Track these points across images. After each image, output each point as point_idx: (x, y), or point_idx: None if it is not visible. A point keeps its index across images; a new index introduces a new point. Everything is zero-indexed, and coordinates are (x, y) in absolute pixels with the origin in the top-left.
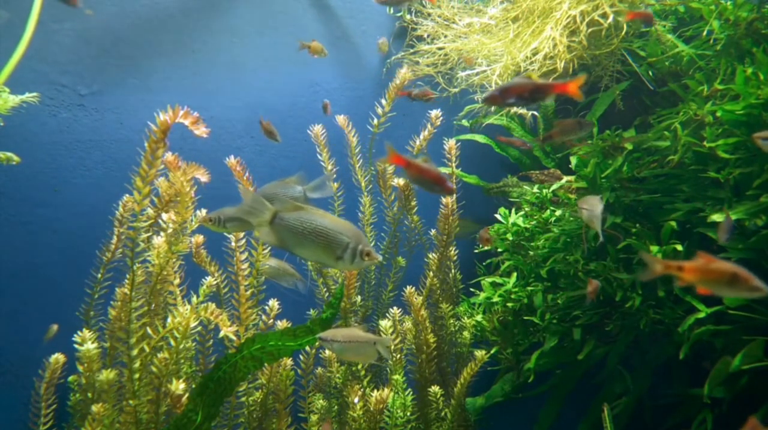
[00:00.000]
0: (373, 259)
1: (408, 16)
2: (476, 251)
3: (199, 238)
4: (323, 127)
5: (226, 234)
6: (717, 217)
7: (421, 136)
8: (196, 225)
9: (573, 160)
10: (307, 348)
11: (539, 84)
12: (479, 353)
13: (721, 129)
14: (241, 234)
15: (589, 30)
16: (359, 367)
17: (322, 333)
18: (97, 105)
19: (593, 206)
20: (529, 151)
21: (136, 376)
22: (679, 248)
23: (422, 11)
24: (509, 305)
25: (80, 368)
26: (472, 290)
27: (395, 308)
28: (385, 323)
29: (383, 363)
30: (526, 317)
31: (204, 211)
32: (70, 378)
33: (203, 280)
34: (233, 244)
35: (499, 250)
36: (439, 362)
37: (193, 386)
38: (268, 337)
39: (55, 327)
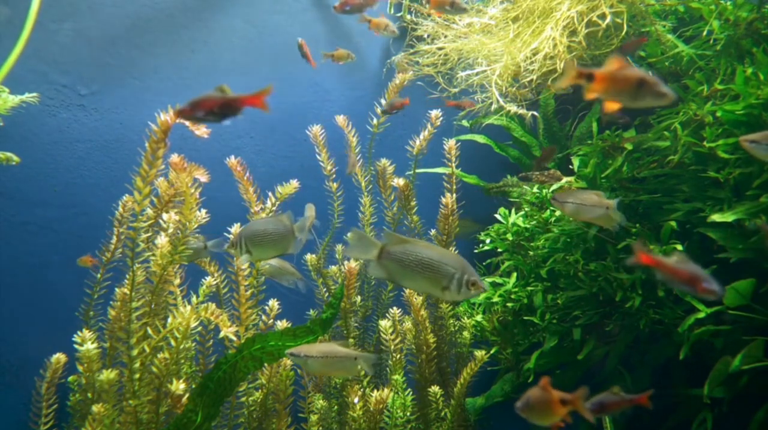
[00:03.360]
0: (479, 288)
1: (408, 16)
2: (476, 251)
3: (200, 238)
4: (322, 128)
5: None
6: (717, 217)
7: (421, 136)
8: (195, 225)
9: (575, 160)
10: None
11: (228, 98)
12: (479, 353)
13: (721, 129)
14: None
15: (589, 30)
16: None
17: (294, 349)
18: (97, 105)
19: (601, 202)
20: (529, 151)
21: (136, 376)
22: (679, 247)
23: (422, 11)
24: (509, 305)
25: (80, 368)
26: None
27: (395, 308)
28: (384, 323)
29: (363, 377)
30: (526, 317)
31: (204, 212)
32: (70, 378)
33: (203, 280)
34: None
35: (499, 250)
36: (439, 362)
37: (193, 386)
38: (268, 337)
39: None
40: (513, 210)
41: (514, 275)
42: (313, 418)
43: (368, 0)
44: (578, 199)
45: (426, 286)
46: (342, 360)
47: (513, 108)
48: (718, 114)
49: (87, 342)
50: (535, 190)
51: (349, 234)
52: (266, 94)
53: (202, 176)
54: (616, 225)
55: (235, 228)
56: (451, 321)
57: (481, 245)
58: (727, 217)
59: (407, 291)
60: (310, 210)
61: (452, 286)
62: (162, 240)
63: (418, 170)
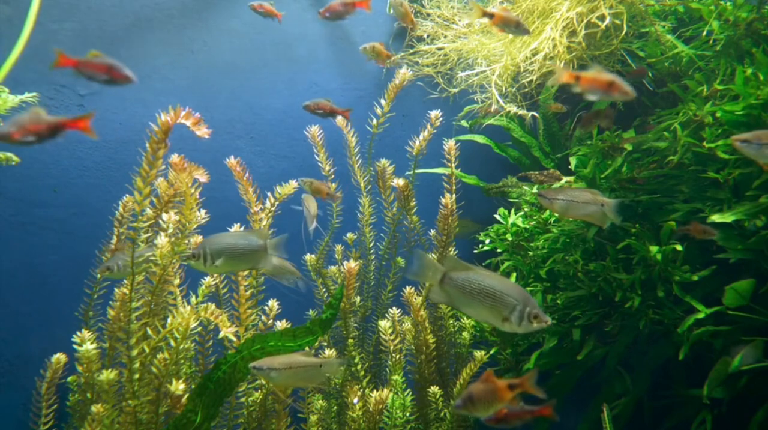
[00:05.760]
0: (541, 322)
1: None
2: (476, 251)
3: (198, 238)
4: (320, 128)
5: None
6: (716, 217)
7: (421, 137)
8: (195, 225)
9: (573, 160)
10: (307, 349)
11: (51, 121)
12: (478, 354)
13: (721, 129)
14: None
15: (589, 31)
16: (358, 367)
17: (256, 362)
18: (97, 105)
19: (595, 200)
20: (528, 151)
21: (136, 376)
22: (679, 248)
23: (422, 12)
24: None
25: (79, 368)
26: None
27: (395, 308)
28: (384, 324)
29: (326, 385)
30: None
31: (204, 212)
32: (70, 378)
33: (202, 280)
34: None
35: (499, 250)
36: (439, 362)
37: (193, 386)
38: (267, 337)
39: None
40: (512, 210)
41: (514, 275)
42: (313, 418)
43: (348, 8)
44: (569, 196)
45: (486, 315)
46: (306, 369)
47: (513, 109)
48: (718, 114)
49: (86, 342)
50: (534, 190)
51: (414, 257)
52: (89, 118)
53: (202, 176)
54: (610, 223)
55: (235, 228)
56: (451, 321)
57: (480, 246)
58: (727, 217)
59: (407, 291)
60: (309, 202)
61: (513, 317)
62: (162, 240)
63: (417, 171)
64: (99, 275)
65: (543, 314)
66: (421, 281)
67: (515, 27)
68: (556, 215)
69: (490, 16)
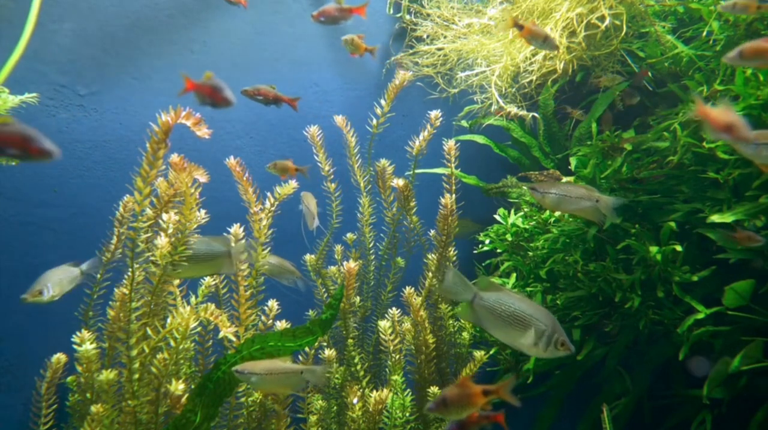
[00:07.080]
0: (567, 349)
1: (407, 17)
2: (476, 251)
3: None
4: (320, 128)
5: None
6: (716, 218)
7: (421, 137)
8: (195, 225)
9: (573, 161)
10: (307, 349)
11: None
12: (478, 354)
13: None
14: (241, 235)
15: (589, 32)
16: (358, 368)
17: (239, 366)
18: (97, 105)
19: (590, 196)
20: (528, 151)
21: (136, 376)
22: (679, 248)
23: (422, 12)
24: None
25: (79, 368)
26: None
27: (394, 308)
28: (384, 324)
29: (306, 393)
30: None
31: (204, 212)
32: (69, 378)
33: (202, 280)
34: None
35: (499, 250)
36: (439, 362)
37: (193, 386)
38: (267, 338)
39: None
40: (512, 211)
41: (514, 275)
42: (313, 418)
43: (343, 14)
44: (561, 190)
45: (514, 338)
46: (288, 375)
47: (513, 110)
48: None
49: (86, 342)
50: None
51: (447, 274)
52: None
53: (202, 176)
54: (603, 218)
55: (235, 229)
56: (451, 322)
57: (480, 246)
58: (727, 217)
59: (406, 291)
60: (308, 199)
61: (541, 342)
62: (162, 240)
63: (417, 171)
64: (27, 299)
65: (568, 341)
66: (453, 299)
67: (543, 41)
68: (549, 209)
69: (520, 27)
